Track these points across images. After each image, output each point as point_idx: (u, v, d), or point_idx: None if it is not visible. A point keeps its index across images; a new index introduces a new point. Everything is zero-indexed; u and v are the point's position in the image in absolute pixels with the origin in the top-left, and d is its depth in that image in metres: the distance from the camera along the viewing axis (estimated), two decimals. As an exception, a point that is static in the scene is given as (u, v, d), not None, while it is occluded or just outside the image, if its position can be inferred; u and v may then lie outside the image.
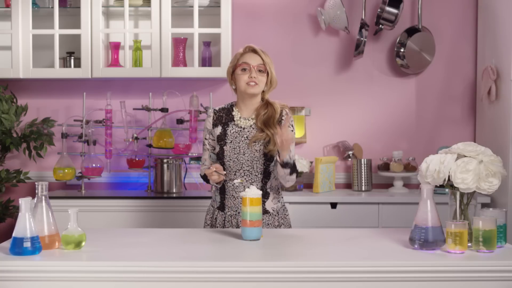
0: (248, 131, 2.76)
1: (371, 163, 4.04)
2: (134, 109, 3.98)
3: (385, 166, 4.06)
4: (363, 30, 3.96)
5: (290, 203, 3.70)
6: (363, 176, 3.98)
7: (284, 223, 2.86)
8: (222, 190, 2.81)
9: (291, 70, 4.12)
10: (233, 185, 2.77)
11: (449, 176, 2.30)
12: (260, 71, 2.71)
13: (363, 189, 3.99)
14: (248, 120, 2.78)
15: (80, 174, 3.89)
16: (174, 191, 3.87)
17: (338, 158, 4.11)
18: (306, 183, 4.05)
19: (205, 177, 2.80)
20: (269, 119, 2.74)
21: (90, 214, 3.63)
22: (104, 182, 4.11)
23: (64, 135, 3.87)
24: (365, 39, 3.97)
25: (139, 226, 3.65)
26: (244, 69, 2.71)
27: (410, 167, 4.02)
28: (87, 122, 3.88)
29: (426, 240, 2.25)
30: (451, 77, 4.16)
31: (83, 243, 2.28)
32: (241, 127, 2.77)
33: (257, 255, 2.25)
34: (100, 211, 3.68)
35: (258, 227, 2.41)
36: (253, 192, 2.40)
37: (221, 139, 2.77)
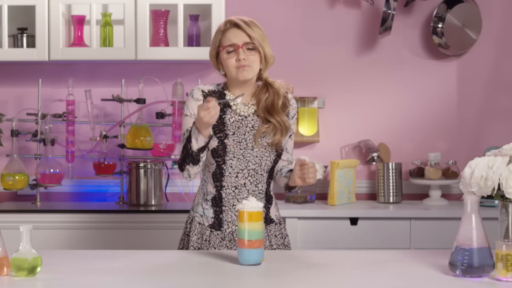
0: (252, 120, 2.77)
1: (401, 168, 4.04)
2: (102, 100, 3.98)
3: (419, 172, 4.06)
4: (391, 1, 3.96)
5: (299, 218, 3.70)
6: (390, 184, 3.98)
7: (287, 235, 2.91)
8: (217, 201, 2.78)
9: (300, 51, 4.12)
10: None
11: (499, 185, 2.29)
12: (249, 49, 2.71)
13: (391, 200, 3.99)
14: (248, 106, 2.78)
15: (34, 182, 3.89)
16: (152, 203, 3.88)
17: (359, 161, 4.11)
18: (319, 193, 4.05)
19: (183, 161, 2.64)
20: (271, 105, 2.76)
21: (47, 232, 3.63)
22: (65, 192, 4.11)
23: (15, 133, 3.87)
24: (394, 12, 3.97)
25: (109, 247, 3.65)
26: (229, 51, 2.70)
27: (450, 173, 4.02)
28: (44, 116, 3.88)
29: (470, 264, 2.25)
30: (501, 60, 4.16)
31: (38, 269, 2.28)
32: (241, 115, 2.77)
33: (257, 285, 2.24)
34: (60, 228, 3.68)
35: (259, 249, 2.40)
36: (253, 205, 2.39)
37: (219, 130, 2.74)
